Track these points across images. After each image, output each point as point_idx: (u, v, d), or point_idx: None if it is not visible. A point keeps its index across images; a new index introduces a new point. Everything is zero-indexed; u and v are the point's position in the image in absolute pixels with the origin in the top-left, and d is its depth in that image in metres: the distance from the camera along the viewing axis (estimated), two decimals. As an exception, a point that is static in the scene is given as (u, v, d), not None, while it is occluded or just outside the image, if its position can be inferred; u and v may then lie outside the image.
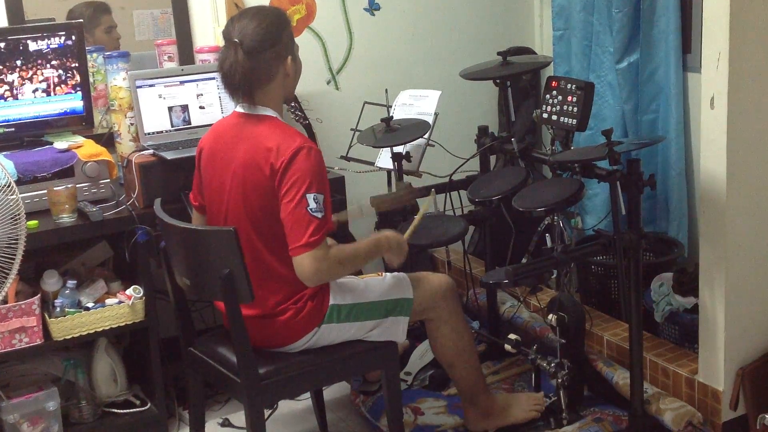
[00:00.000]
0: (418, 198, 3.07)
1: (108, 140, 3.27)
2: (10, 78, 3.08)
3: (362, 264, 2.56)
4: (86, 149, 3.07)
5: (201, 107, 3.29)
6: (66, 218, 2.90)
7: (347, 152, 3.34)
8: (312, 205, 2.36)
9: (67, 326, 2.89)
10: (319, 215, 2.37)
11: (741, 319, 2.75)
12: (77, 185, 2.99)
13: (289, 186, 2.38)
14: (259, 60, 2.44)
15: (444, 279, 2.81)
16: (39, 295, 2.90)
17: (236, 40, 2.43)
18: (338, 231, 2.88)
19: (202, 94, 3.28)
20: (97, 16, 3.45)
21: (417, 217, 2.77)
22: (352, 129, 3.33)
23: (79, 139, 3.14)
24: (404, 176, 3.17)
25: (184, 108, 3.26)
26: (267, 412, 3.00)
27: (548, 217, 2.88)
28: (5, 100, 3.09)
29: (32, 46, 3.09)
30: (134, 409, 3.13)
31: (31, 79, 3.11)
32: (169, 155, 3.03)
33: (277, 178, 2.40)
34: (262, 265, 2.47)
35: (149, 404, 3.15)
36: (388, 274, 2.72)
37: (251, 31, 2.43)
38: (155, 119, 3.21)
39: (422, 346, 3.29)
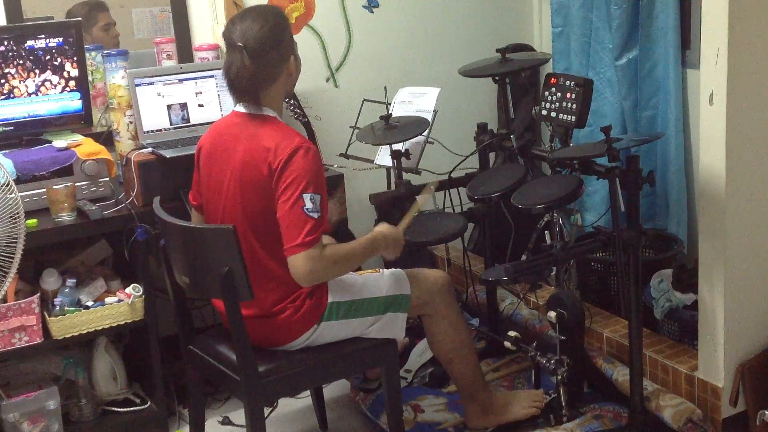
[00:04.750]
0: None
1: (107, 139, 3.28)
2: (8, 77, 3.08)
3: (358, 263, 2.56)
4: (85, 148, 3.07)
5: (200, 105, 3.28)
6: (65, 217, 2.90)
7: (346, 150, 3.34)
8: (308, 205, 2.36)
9: (66, 325, 2.89)
10: (315, 215, 2.36)
11: (741, 315, 2.75)
12: (76, 184, 2.99)
13: (285, 185, 2.38)
14: (264, 63, 2.44)
15: (440, 275, 2.81)
16: (38, 293, 2.90)
17: (240, 44, 2.42)
18: (337, 231, 2.89)
19: (201, 92, 3.28)
20: (93, 14, 3.44)
21: (412, 209, 2.75)
22: (351, 126, 3.33)
23: (78, 138, 3.14)
24: (403, 174, 3.17)
25: (183, 106, 3.26)
26: (267, 410, 3.01)
27: (547, 214, 2.87)
28: (4, 99, 3.09)
29: (31, 45, 3.09)
30: (134, 408, 3.13)
31: (29, 78, 3.11)
32: (168, 153, 3.03)
33: (274, 177, 2.39)
34: (259, 265, 2.47)
35: (149, 402, 3.15)
36: (385, 270, 2.73)
37: (255, 34, 2.42)
38: (154, 117, 3.21)
39: (422, 344, 3.29)
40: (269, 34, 2.44)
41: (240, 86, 2.45)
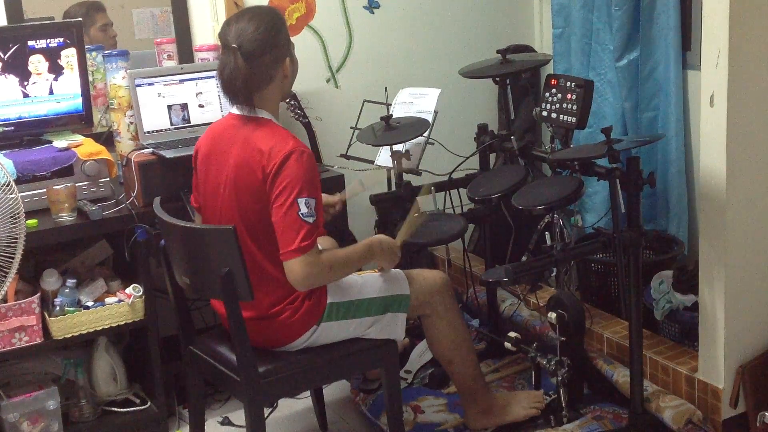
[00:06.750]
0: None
1: (107, 139, 3.28)
2: (9, 77, 3.08)
3: (354, 269, 2.56)
4: (85, 148, 3.07)
5: (200, 106, 3.29)
6: (65, 217, 2.90)
7: (347, 150, 3.34)
8: (303, 209, 2.35)
9: (66, 325, 2.89)
10: (310, 220, 2.36)
11: (741, 316, 2.75)
12: (77, 184, 2.99)
13: (280, 190, 2.37)
14: (258, 64, 2.43)
15: (439, 275, 2.81)
16: (39, 294, 2.90)
17: (234, 45, 2.41)
18: (337, 230, 2.88)
19: (201, 93, 3.28)
20: (90, 14, 3.44)
21: (409, 218, 2.75)
22: (351, 127, 3.33)
23: (79, 138, 3.14)
24: (404, 174, 3.17)
25: (184, 106, 3.26)
26: (267, 411, 3.01)
27: (548, 216, 2.88)
28: (4, 99, 3.08)
29: (32, 45, 3.09)
30: (134, 408, 3.13)
31: (30, 78, 3.11)
32: (169, 154, 3.03)
33: (268, 181, 2.39)
34: (256, 267, 2.46)
35: (149, 403, 3.15)
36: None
37: (249, 36, 2.41)
38: (154, 118, 3.21)
39: (422, 345, 3.29)
40: (264, 36, 2.43)
41: (233, 88, 2.44)
